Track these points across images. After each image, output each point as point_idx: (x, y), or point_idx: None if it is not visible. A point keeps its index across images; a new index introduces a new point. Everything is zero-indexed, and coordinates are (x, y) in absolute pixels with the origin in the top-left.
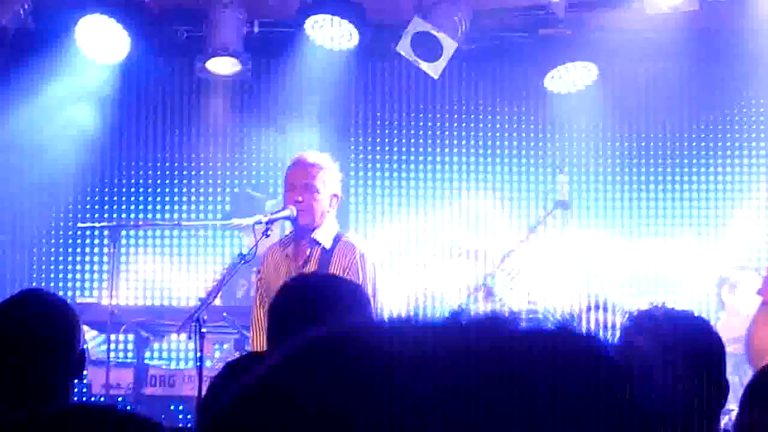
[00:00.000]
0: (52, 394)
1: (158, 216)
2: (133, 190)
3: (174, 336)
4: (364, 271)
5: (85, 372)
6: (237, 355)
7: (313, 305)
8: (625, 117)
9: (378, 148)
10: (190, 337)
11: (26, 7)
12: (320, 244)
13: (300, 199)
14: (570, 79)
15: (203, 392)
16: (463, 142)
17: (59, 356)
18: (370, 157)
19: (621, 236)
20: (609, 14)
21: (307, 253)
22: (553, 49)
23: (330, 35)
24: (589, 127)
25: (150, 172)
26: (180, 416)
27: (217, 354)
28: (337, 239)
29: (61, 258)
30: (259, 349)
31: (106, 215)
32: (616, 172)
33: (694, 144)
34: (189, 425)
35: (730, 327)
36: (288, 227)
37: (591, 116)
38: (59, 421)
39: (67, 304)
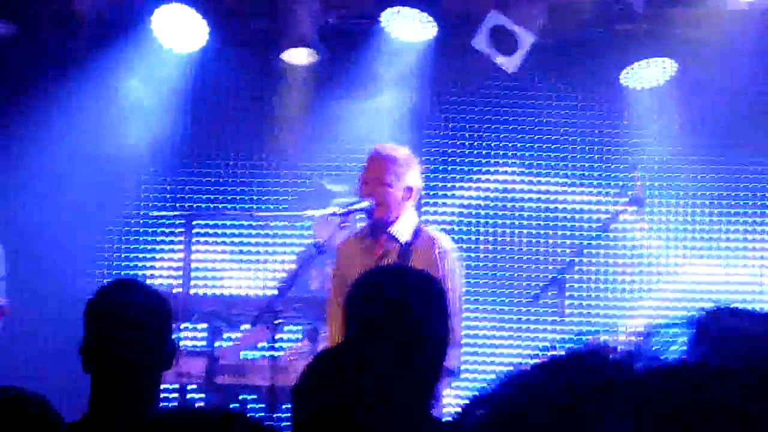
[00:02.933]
0: (147, 386)
1: (231, 206)
2: (206, 179)
3: (245, 326)
4: (443, 265)
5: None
6: (308, 345)
7: (387, 301)
8: (703, 114)
9: (451, 141)
10: (267, 328)
11: None
12: (398, 239)
13: (371, 193)
14: (647, 75)
15: (276, 382)
16: (536, 137)
17: (154, 347)
18: (443, 150)
19: (696, 235)
20: (688, 10)
21: (385, 247)
22: (631, 44)
23: (406, 27)
24: (666, 123)
25: (223, 162)
26: (249, 406)
27: (286, 345)
28: (416, 233)
29: (133, 246)
30: (332, 338)
31: (179, 204)
32: (692, 170)
33: None
34: (258, 415)
35: None
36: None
37: (668, 113)
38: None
39: (161, 294)
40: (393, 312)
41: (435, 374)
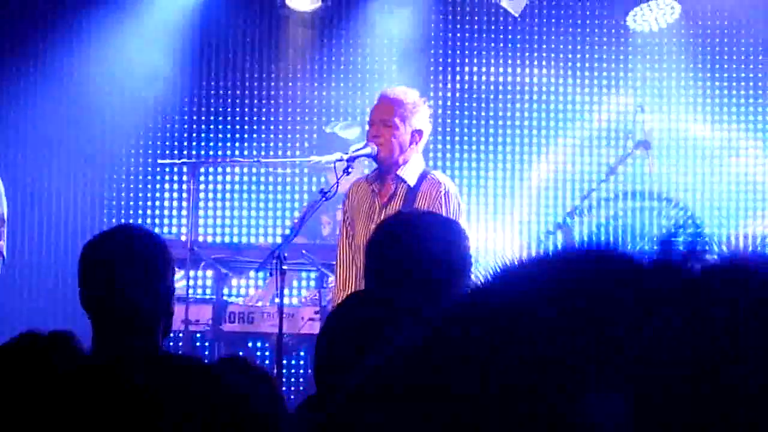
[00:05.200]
0: (145, 328)
1: (237, 153)
2: (212, 126)
3: (252, 273)
4: (447, 207)
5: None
6: (316, 292)
7: (412, 243)
8: (708, 55)
9: (458, 86)
10: (271, 274)
11: None
12: (405, 181)
13: (377, 134)
14: (652, 17)
15: (284, 329)
16: (544, 80)
17: (149, 288)
18: (449, 95)
19: (702, 177)
20: None
21: (392, 189)
22: None
23: None
24: (671, 65)
25: (230, 109)
26: (258, 353)
27: (295, 291)
28: (422, 177)
29: (140, 194)
30: (341, 281)
31: (185, 152)
32: (698, 111)
33: None
34: (267, 362)
35: None
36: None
37: (673, 55)
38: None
39: (159, 238)
40: (415, 253)
41: None
